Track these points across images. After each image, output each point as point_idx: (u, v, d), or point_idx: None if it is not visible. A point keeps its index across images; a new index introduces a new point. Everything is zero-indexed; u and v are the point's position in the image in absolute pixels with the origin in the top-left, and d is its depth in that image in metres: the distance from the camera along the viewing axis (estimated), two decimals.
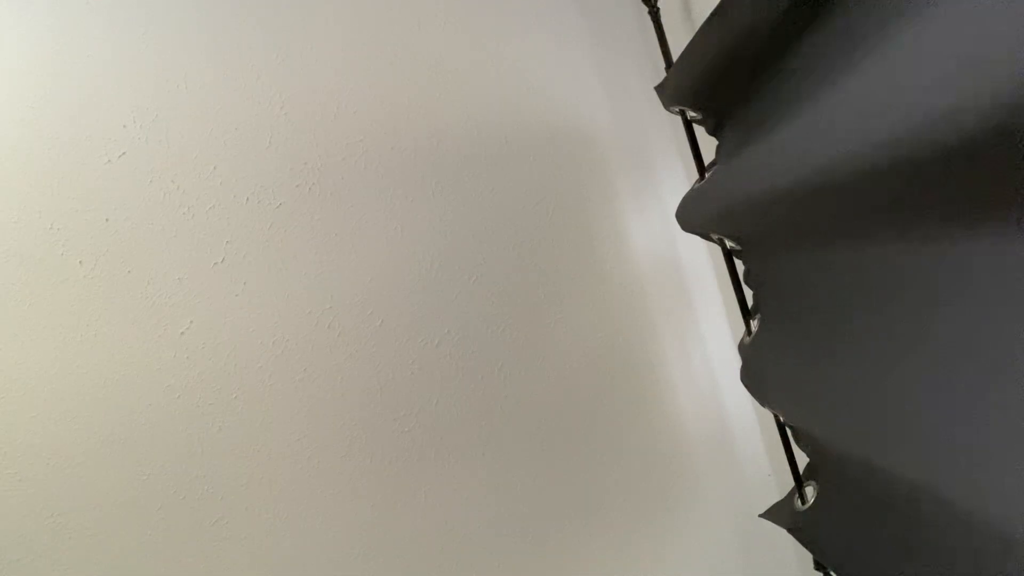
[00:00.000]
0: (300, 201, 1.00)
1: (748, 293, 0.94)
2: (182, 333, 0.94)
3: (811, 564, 0.93)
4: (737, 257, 0.93)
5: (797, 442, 0.88)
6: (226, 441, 0.95)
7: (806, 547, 0.80)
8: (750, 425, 1.19)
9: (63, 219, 0.91)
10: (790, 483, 0.90)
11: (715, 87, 0.78)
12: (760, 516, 0.92)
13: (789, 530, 0.84)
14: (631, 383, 1.14)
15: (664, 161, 1.18)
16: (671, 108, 0.90)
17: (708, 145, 0.91)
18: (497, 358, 1.08)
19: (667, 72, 0.88)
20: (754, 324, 0.91)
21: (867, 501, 0.68)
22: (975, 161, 0.38)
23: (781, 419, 0.88)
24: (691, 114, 0.88)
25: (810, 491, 0.84)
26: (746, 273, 0.92)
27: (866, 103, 0.46)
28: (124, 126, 0.93)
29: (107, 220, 0.92)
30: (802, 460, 0.89)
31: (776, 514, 0.89)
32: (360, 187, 1.03)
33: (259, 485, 0.96)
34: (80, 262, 0.91)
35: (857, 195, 0.50)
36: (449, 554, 1.04)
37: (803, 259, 0.71)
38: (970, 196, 0.42)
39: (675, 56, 0.86)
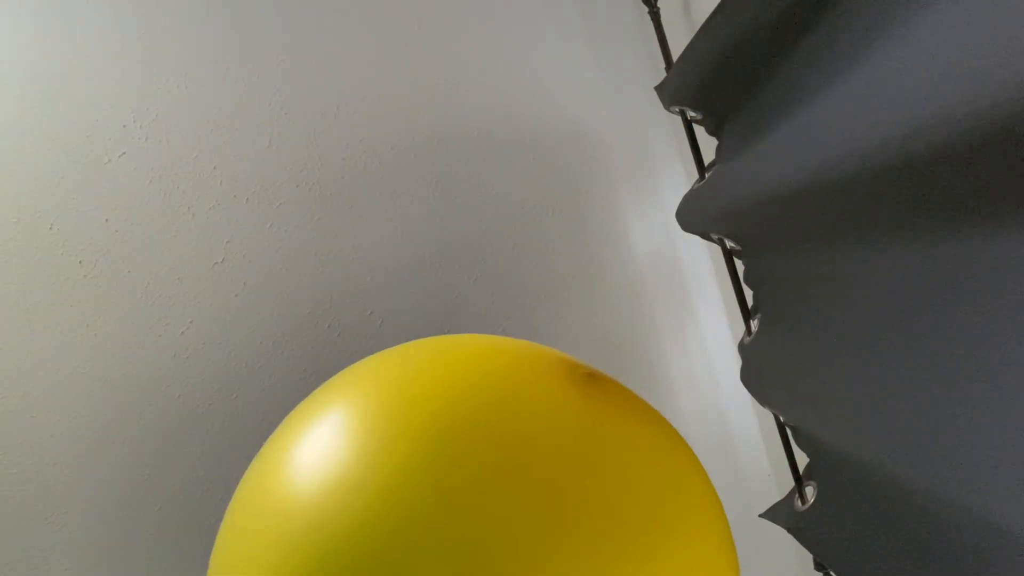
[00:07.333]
0: (300, 201, 1.00)
1: (748, 293, 0.94)
2: (182, 333, 0.94)
3: (811, 564, 0.93)
4: (737, 257, 0.93)
5: (797, 442, 0.88)
6: (226, 442, 0.95)
7: (806, 547, 0.80)
8: (750, 425, 1.19)
9: (63, 219, 0.91)
10: (790, 483, 0.90)
11: (715, 87, 0.78)
12: (760, 516, 0.92)
13: (789, 530, 0.84)
14: (631, 383, 1.14)
15: (664, 161, 1.18)
16: (671, 108, 0.90)
17: (708, 145, 0.91)
18: None
19: (667, 72, 0.88)
20: (754, 324, 0.91)
21: (867, 501, 0.68)
22: (976, 161, 0.38)
23: (781, 419, 0.88)
24: (691, 114, 0.88)
25: (810, 491, 0.84)
26: (746, 273, 0.92)
27: (867, 102, 0.46)
28: (124, 126, 0.94)
29: (107, 220, 0.92)
30: (802, 460, 0.89)
31: (776, 514, 0.89)
32: (360, 187, 1.03)
33: None
34: (80, 262, 0.91)
35: (858, 195, 0.50)
36: None
37: (803, 259, 0.71)
38: (972, 196, 0.42)
39: (675, 56, 0.86)
